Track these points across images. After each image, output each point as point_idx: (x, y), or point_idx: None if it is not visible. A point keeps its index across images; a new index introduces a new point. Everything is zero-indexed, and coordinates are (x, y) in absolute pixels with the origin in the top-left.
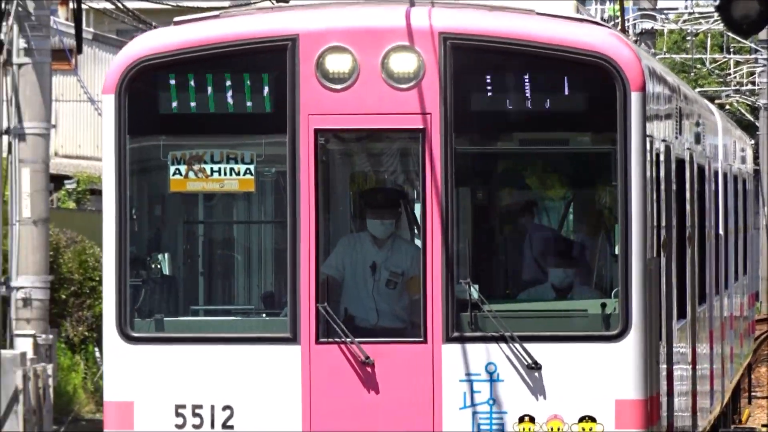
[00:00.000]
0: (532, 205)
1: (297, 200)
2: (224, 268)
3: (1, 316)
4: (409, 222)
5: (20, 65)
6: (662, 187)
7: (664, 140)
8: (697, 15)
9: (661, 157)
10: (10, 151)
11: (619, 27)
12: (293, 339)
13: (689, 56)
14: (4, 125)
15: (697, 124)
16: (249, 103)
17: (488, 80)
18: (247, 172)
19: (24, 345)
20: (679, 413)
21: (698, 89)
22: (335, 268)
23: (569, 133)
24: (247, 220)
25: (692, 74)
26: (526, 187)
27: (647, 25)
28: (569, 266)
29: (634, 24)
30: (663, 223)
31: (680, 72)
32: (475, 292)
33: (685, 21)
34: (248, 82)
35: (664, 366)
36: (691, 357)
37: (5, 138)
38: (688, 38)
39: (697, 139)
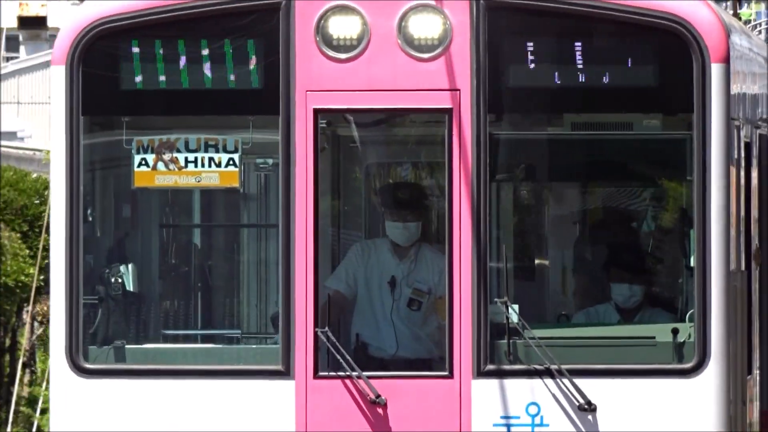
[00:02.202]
0: (586, 204)
1: (291, 198)
2: (201, 284)
3: None
4: (438, 226)
5: None
6: (754, 183)
7: (757, 126)
8: None
9: (753, 147)
10: None
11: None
12: (286, 372)
13: None
14: None
15: None
16: (232, 77)
17: (531, 49)
18: (230, 162)
19: None
20: None
21: None
22: (344, 282)
23: (633, 115)
24: (231, 223)
25: None
26: (579, 182)
27: None
28: (634, 281)
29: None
30: (755, 229)
31: None
32: (514, 315)
33: None
34: (231, 51)
35: (757, 405)
36: None
37: None
38: None
39: None
